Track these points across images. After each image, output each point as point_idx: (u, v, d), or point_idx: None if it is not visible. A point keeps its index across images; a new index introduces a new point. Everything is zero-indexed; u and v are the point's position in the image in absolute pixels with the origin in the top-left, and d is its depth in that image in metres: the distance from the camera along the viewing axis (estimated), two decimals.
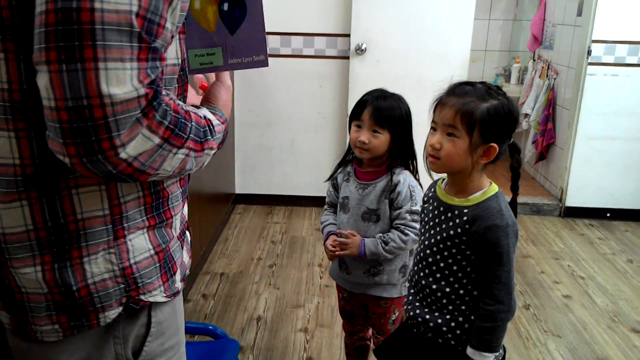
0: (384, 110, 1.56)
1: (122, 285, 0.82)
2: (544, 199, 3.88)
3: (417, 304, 1.32)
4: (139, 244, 0.84)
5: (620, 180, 3.64)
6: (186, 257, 0.96)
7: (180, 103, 0.78)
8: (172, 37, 0.75)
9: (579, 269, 3.03)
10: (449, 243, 1.23)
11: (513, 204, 1.28)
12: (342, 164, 1.74)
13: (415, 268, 1.34)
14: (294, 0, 3.41)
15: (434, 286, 1.27)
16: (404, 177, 1.61)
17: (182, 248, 0.94)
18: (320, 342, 2.29)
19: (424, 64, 3.36)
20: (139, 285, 0.84)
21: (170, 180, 0.88)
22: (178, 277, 0.92)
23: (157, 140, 0.71)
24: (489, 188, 1.24)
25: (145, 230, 0.84)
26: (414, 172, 1.66)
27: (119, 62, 0.66)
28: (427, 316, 1.29)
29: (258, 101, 3.61)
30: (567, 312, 2.59)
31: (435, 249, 1.26)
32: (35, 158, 0.75)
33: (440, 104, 1.22)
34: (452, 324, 1.25)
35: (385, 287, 1.68)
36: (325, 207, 1.80)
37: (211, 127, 0.83)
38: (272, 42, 3.45)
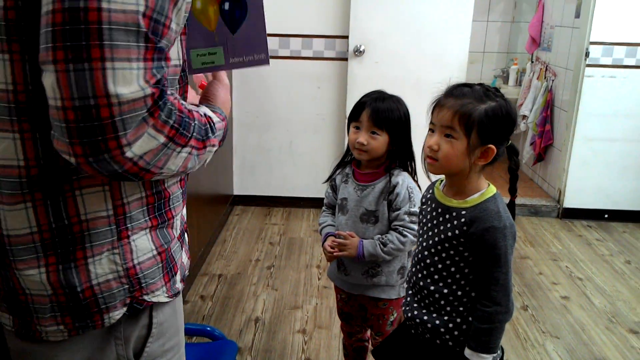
0: (382, 112, 1.56)
1: (126, 286, 0.83)
2: (542, 200, 3.88)
3: (415, 305, 1.32)
4: (142, 244, 0.84)
5: (618, 181, 3.65)
6: (185, 258, 0.97)
7: (184, 102, 0.79)
8: (176, 37, 0.76)
9: (577, 270, 3.04)
10: (447, 244, 1.23)
11: (511, 206, 1.28)
12: (341, 165, 1.74)
13: (414, 269, 1.34)
14: (293, 2, 3.41)
15: (432, 287, 1.27)
16: (402, 179, 1.61)
17: (182, 249, 0.95)
18: (319, 343, 2.29)
19: (422, 65, 3.37)
20: (143, 285, 0.84)
21: (171, 180, 0.88)
22: (178, 277, 0.92)
23: (162, 139, 0.72)
24: (487, 190, 1.24)
25: (148, 230, 0.85)
26: (413, 174, 1.66)
27: (126, 62, 0.66)
28: (425, 317, 1.29)
29: (257, 102, 3.62)
30: (565, 313, 2.59)
31: (433, 250, 1.26)
32: (40, 159, 0.75)
33: (438, 105, 1.22)
34: (450, 325, 1.26)
35: (384, 288, 1.68)
36: (324, 208, 1.80)
37: (212, 124, 0.84)
38: (271, 44, 3.45)
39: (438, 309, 1.27)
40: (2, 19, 0.71)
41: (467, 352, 1.22)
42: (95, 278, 0.80)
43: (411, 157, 1.66)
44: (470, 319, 1.24)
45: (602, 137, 3.59)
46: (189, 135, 0.76)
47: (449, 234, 1.23)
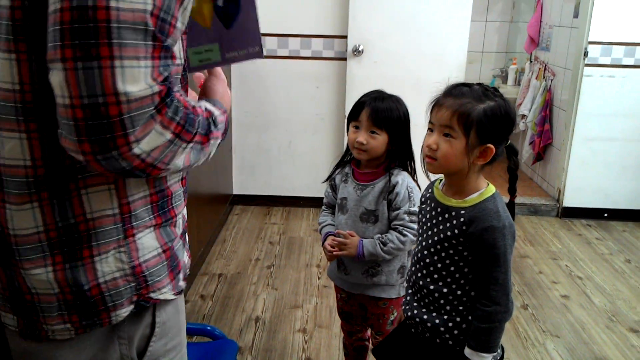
0: (381, 112, 1.56)
1: (133, 284, 0.83)
2: (541, 199, 3.89)
3: (415, 304, 1.33)
4: (148, 242, 0.84)
5: (618, 180, 3.65)
6: (186, 257, 0.97)
7: (188, 99, 0.80)
8: (180, 37, 0.76)
9: (576, 269, 3.04)
10: (446, 244, 1.24)
11: (511, 206, 1.28)
12: (340, 164, 1.74)
13: (413, 268, 1.34)
14: (291, 2, 3.41)
15: (432, 287, 1.27)
16: (402, 178, 1.61)
17: (184, 247, 0.95)
18: (319, 342, 2.29)
19: (421, 65, 3.37)
20: (149, 283, 0.85)
21: (173, 179, 0.89)
22: (182, 275, 0.93)
23: (169, 135, 0.72)
24: (486, 189, 1.24)
25: (152, 228, 0.85)
26: (412, 173, 1.66)
27: (134, 60, 0.67)
28: (425, 316, 1.29)
29: (256, 102, 3.62)
30: (565, 312, 2.59)
31: (432, 249, 1.26)
32: (47, 159, 0.76)
33: (437, 104, 1.22)
34: (450, 324, 1.26)
35: (384, 287, 1.68)
36: (323, 207, 1.80)
37: (213, 117, 0.85)
38: (270, 44, 3.45)
39: (438, 308, 1.27)
40: (8, 19, 0.71)
41: (467, 351, 1.22)
42: (102, 276, 0.80)
43: (411, 156, 1.66)
44: (470, 318, 1.24)
45: (601, 137, 3.59)
46: (194, 131, 0.77)
47: (448, 233, 1.23)
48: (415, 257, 1.33)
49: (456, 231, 1.21)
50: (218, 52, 0.97)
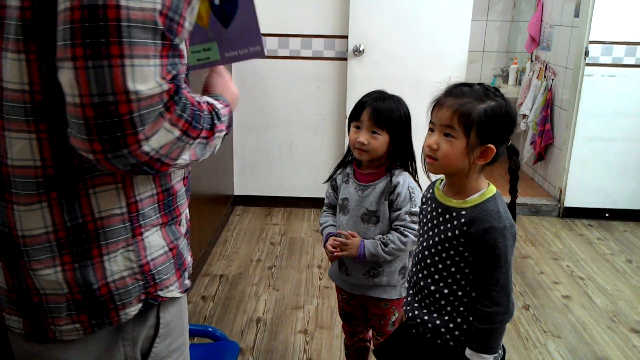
0: (383, 112, 1.56)
1: (141, 282, 0.84)
2: (542, 199, 3.88)
3: (416, 304, 1.32)
4: (155, 240, 0.85)
5: (619, 180, 3.65)
6: (189, 256, 0.98)
7: (194, 95, 0.80)
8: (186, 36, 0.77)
9: (578, 269, 3.03)
10: (447, 244, 1.23)
11: (512, 207, 1.28)
12: (342, 165, 1.74)
13: (414, 269, 1.34)
14: (292, 2, 3.41)
15: (433, 287, 1.27)
16: (403, 179, 1.61)
17: (188, 246, 0.96)
18: (320, 343, 2.29)
19: (422, 65, 3.37)
20: (157, 281, 0.86)
21: (176, 177, 0.90)
22: (187, 274, 0.94)
23: (177, 132, 0.73)
24: (487, 190, 1.24)
25: (159, 227, 0.86)
26: (413, 174, 1.66)
27: (144, 59, 0.67)
28: (426, 317, 1.29)
29: (256, 103, 3.62)
30: (566, 312, 2.59)
31: (433, 250, 1.26)
32: (56, 159, 0.76)
33: (437, 104, 1.22)
34: (451, 325, 1.26)
35: (385, 288, 1.68)
36: (324, 208, 1.80)
37: (216, 110, 0.85)
38: (270, 44, 3.45)
39: (438, 308, 1.27)
40: (18, 19, 0.72)
41: (468, 352, 1.22)
42: (110, 275, 0.81)
43: (412, 157, 1.66)
44: (470, 319, 1.24)
45: (602, 137, 3.58)
46: (201, 128, 0.78)
47: (449, 234, 1.23)
48: (416, 258, 1.33)
49: (457, 232, 1.21)
50: (217, 51, 0.97)
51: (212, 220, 3.18)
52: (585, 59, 3.47)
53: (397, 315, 1.73)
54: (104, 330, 0.84)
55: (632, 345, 2.34)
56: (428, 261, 1.27)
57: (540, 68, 4.18)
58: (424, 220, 1.33)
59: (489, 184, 1.26)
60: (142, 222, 0.83)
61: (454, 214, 1.23)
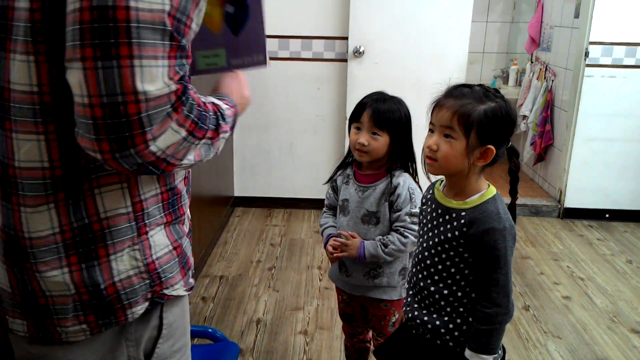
0: (383, 113, 1.56)
1: (147, 281, 0.84)
2: (542, 200, 3.88)
3: (416, 305, 1.33)
4: (160, 239, 0.86)
5: (619, 181, 3.65)
6: (191, 256, 0.98)
7: (199, 96, 0.81)
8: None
9: (578, 270, 3.03)
10: (446, 245, 1.23)
11: (512, 208, 1.28)
12: (342, 166, 1.74)
13: (414, 270, 1.34)
14: (292, 3, 3.42)
15: (432, 288, 1.27)
16: (403, 180, 1.61)
17: (190, 246, 0.96)
18: (320, 344, 2.29)
19: (422, 66, 3.37)
20: (162, 280, 0.86)
21: (179, 177, 0.90)
22: (190, 272, 0.94)
23: (183, 133, 0.73)
24: (487, 191, 1.24)
25: (163, 226, 0.86)
26: (414, 175, 1.66)
27: (152, 59, 0.68)
28: (426, 318, 1.29)
29: (256, 104, 3.61)
30: (566, 313, 2.59)
31: (433, 251, 1.26)
32: (64, 159, 0.76)
33: (437, 105, 1.22)
34: (450, 326, 1.26)
35: (385, 289, 1.68)
36: (324, 209, 1.80)
37: (221, 111, 0.85)
38: (270, 45, 3.45)
39: (438, 309, 1.27)
40: (27, 21, 0.72)
41: (468, 353, 1.22)
42: (117, 275, 0.81)
43: (412, 158, 1.66)
44: (470, 319, 1.24)
45: (602, 137, 3.59)
46: (207, 128, 0.78)
47: (449, 235, 1.23)
48: (416, 259, 1.33)
49: (456, 233, 1.21)
50: (224, 57, 0.98)
51: (212, 222, 3.19)
52: (585, 59, 3.47)
53: (397, 316, 1.73)
54: (108, 331, 0.84)
55: (632, 346, 2.34)
56: (428, 262, 1.27)
57: (541, 69, 4.18)
58: (424, 221, 1.33)
59: (489, 185, 1.26)
60: (147, 222, 0.83)
61: (454, 214, 1.23)
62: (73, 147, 0.74)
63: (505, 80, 4.86)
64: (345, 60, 3.46)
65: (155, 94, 0.68)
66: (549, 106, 3.98)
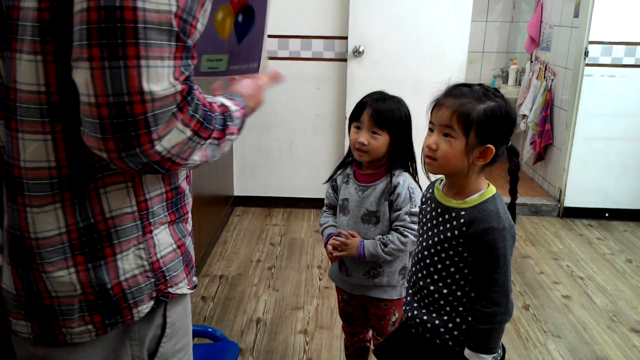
0: (383, 112, 1.57)
1: (152, 280, 0.84)
2: (542, 199, 3.88)
3: (415, 304, 1.33)
4: (164, 238, 0.86)
5: (619, 180, 3.65)
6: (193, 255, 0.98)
7: (206, 96, 0.81)
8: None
9: (578, 269, 3.04)
10: (446, 245, 1.23)
11: (512, 207, 1.28)
12: (342, 166, 1.74)
13: (414, 269, 1.34)
14: (292, 3, 3.41)
15: (432, 287, 1.27)
16: (403, 179, 1.61)
17: (192, 244, 0.97)
18: (320, 343, 2.29)
19: (422, 65, 3.37)
20: (167, 278, 0.86)
21: (182, 177, 0.90)
22: (194, 270, 0.95)
23: (189, 133, 0.74)
24: (487, 190, 1.24)
25: (167, 225, 0.87)
26: (414, 174, 1.66)
27: (159, 60, 0.68)
28: (425, 317, 1.29)
29: None
30: (566, 312, 2.59)
31: (433, 250, 1.26)
32: (70, 159, 0.76)
33: (437, 104, 1.22)
34: (450, 325, 1.26)
35: (385, 288, 1.68)
36: (324, 209, 1.80)
37: (230, 112, 0.86)
38: (270, 45, 3.45)
39: (438, 309, 1.27)
40: (34, 20, 0.72)
41: (467, 352, 1.22)
42: (123, 274, 0.81)
43: (412, 157, 1.66)
44: (469, 319, 1.24)
45: (602, 137, 3.59)
46: (212, 128, 0.79)
47: (448, 234, 1.23)
48: (416, 258, 1.33)
49: (456, 232, 1.21)
50: (226, 62, 1.00)
51: (212, 221, 3.19)
52: (584, 59, 3.48)
53: (397, 315, 1.73)
54: (112, 331, 0.84)
55: (632, 345, 2.34)
56: (427, 261, 1.28)
57: (540, 68, 4.18)
58: (424, 220, 1.33)
59: (488, 185, 1.26)
60: (151, 220, 0.84)
61: (454, 214, 1.23)
62: (79, 146, 0.74)
63: (505, 79, 4.86)
64: (345, 60, 3.46)
65: (161, 94, 0.68)
66: (548, 105, 3.98)
